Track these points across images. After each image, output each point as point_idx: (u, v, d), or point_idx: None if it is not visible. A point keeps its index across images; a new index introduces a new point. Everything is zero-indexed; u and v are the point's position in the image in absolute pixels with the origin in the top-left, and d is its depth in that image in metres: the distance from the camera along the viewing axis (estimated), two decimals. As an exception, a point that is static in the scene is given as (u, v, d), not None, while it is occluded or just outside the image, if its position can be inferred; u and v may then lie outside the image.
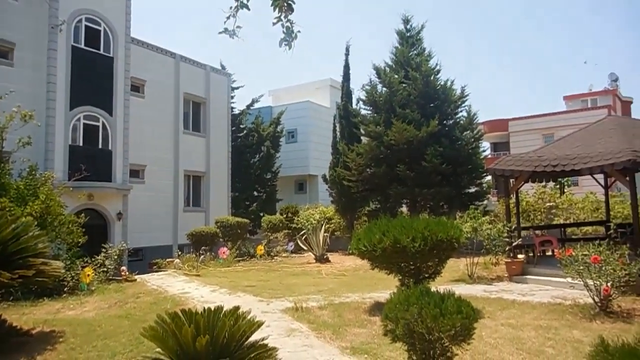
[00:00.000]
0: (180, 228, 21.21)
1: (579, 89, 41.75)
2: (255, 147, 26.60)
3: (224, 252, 16.52)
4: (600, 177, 13.97)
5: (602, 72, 72.95)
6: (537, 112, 38.53)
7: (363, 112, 21.10)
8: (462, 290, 10.09)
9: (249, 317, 5.31)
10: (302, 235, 18.77)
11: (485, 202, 20.30)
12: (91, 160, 17.73)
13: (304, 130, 31.10)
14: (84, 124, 18.29)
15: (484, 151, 21.08)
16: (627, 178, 9.95)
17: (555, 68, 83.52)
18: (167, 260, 16.26)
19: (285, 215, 21.83)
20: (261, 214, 23.25)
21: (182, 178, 22.66)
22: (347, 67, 22.11)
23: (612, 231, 11.63)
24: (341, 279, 13.06)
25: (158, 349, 4.91)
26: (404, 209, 20.39)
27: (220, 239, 18.72)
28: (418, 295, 5.11)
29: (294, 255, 19.04)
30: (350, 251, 9.13)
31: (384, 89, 19.85)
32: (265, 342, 5.35)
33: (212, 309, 4.99)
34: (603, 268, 7.85)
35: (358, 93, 22.12)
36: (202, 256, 16.44)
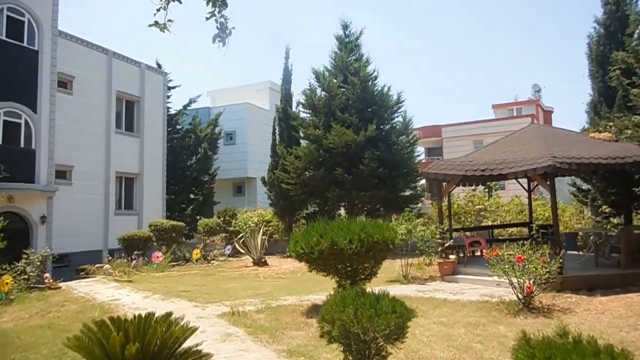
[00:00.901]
0: (111, 232, 20.22)
1: (506, 98, 44.18)
2: (192, 148, 25.91)
3: (157, 257, 15.96)
4: (524, 181, 14.84)
5: (527, 82, 77.73)
6: (469, 119, 40.32)
7: (302, 115, 21.18)
8: (397, 290, 10.37)
9: (182, 323, 5.14)
10: (240, 238, 18.52)
11: (420, 204, 20.98)
12: (12, 159, 16.47)
13: (242, 132, 30.72)
14: (4, 120, 17.01)
15: (418, 156, 21.82)
16: (548, 182, 10.62)
17: (486, 77, 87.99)
18: (96, 266, 15.47)
19: (222, 219, 21.44)
20: (198, 217, 22.70)
21: (114, 180, 21.64)
22: (287, 70, 22.12)
23: (534, 232, 12.40)
24: (279, 282, 12.99)
25: (83, 360, 4.64)
26: (342, 211, 20.66)
27: (154, 243, 18.07)
28: (354, 296, 5.17)
29: (231, 259, 18.74)
30: (289, 254, 9.10)
31: (324, 93, 20.04)
32: (199, 348, 5.20)
33: (143, 315, 4.78)
34: (526, 267, 8.33)
35: (298, 96, 22.17)
36: (134, 261, 15.79)
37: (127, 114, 22.74)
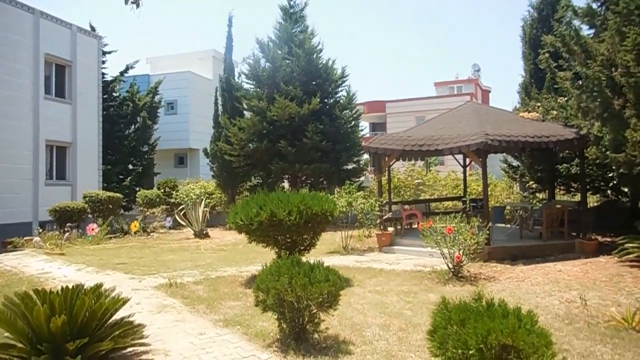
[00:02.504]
0: (42, 203, 19.21)
1: (448, 77, 45.46)
2: (130, 117, 24.83)
3: (92, 229, 15.40)
4: (460, 157, 15.48)
5: (468, 61, 79.98)
6: (412, 95, 41.19)
7: (246, 86, 20.82)
8: (336, 261, 10.66)
9: (113, 295, 5.08)
10: (181, 210, 18.20)
11: (363, 178, 21.42)
12: None
13: (184, 101, 29.77)
14: None
15: (362, 130, 22.14)
16: (480, 158, 11.14)
17: (429, 54, 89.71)
18: (25, 238, 14.71)
19: (163, 190, 20.93)
20: (137, 189, 21.99)
21: (44, 148, 20.43)
22: (229, 39, 21.55)
23: (466, 205, 13.05)
24: (220, 254, 12.96)
25: (7, 334, 4.49)
26: (286, 184, 20.73)
27: (90, 215, 17.39)
28: (289, 265, 5.29)
29: (172, 231, 18.42)
30: (229, 226, 9.08)
31: (268, 64, 19.75)
32: (131, 319, 5.17)
33: (71, 287, 4.67)
34: (456, 238, 8.78)
35: (241, 66, 21.70)
36: (67, 234, 15.17)
37: (58, 79, 21.35)
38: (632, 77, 8.37)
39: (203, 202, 17.99)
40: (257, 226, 8.04)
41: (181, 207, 18.39)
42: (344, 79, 20.09)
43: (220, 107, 21.50)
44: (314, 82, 19.45)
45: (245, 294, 7.87)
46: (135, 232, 17.15)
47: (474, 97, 38.87)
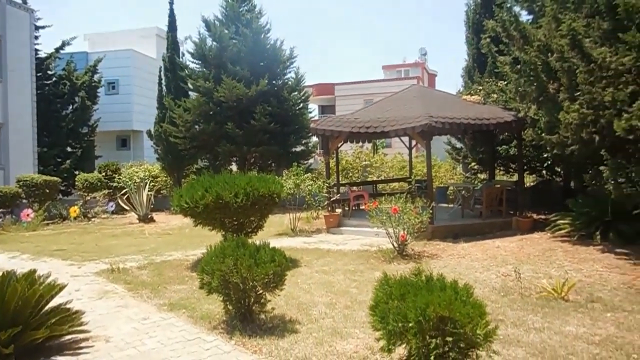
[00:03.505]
0: (-29, 188, 17.99)
1: (396, 60, 46.05)
2: (67, 97, 23.50)
3: (27, 215, 14.63)
4: (406, 139, 15.80)
5: (415, 45, 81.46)
6: (360, 78, 41.42)
7: (191, 65, 20.20)
8: (284, 242, 10.69)
9: (49, 281, 4.86)
10: (124, 194, 17.58)
11: (311, 160, 21.46)
12: None
13: (126, 81, 28.55)
14: None
15: (311, 112, 22.07)
16: (425, 140, 11.40)
17: (378, 38, 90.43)
18: (-48, 225, 13.79)
19: (104, 174, 20.10)
20: (76, 172, 20.97)
21: (-28, 130, 19.09)
22: (172, 16, 20.75)
23: (411, 186, 13.38)
24: (165, 238, 12.68)
25: None
26: (234, 167, 20.44)
27: (24, 200, 16.47)
28: (234, 247, 5.24)
29: (115, 216, 17.80)
30: (173, 209, 8.86)
31: (214, 43, 19.22)
32: (69, 306, 4.98)
33: (1, 274, 4.42)
34: (401, 218, 9.00)
35: (186, 45, 21.01)
36: (-1, 220, 14.33)
37: (-15, 55, 19.88)
38: (566, 62, 8.78)
39: (147, 186, 17.47)
40: (203, 209, 7.90)
41: (124, 191, 17.75)
42: (293, 60, 19.90)
43: (164, 87, 20.76)
44: (261, 63, 19.14)
45: (191, 277, 7.75)
46: (75, 218, 16.44)
47: (421, 80, 39.64)
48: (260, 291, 5.25)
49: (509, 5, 12.20)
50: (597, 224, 9.71)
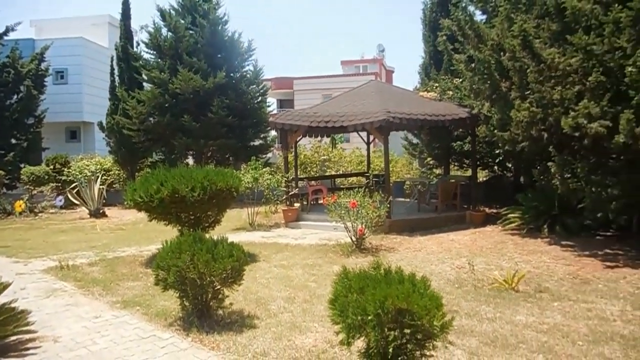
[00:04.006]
0: None
1: (354, 55, 46.39)
2: (11, 86, 22.21)
3: (-33, 210, 13.81)
4: (365, 134, 15.95)
5: (373, 41, 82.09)
6: (320, 73, 41.47)
7: (146, 56, 19.57)
8: (242, 237, 10.57)
9: (-9, 280, 4.59)
10: (74, 188, 16.89)
11: (270, 155, 21.31)
12: None
13: (76, 70, 27.32)
14: None
15: (269, 106, 21.88)
16: (383, 136, 11.54)
17: (337, 33, 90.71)
18: None
19: (52, 167, 19.20)
20: (22, 165, 19.95)
21: None
22: (126, 4, 19.99)
23: (369, 181, 13.53)
24: (118, 234, 12.28)
25: None
26: (190, 160, 20.01)
27: (-37, 195, 15.54)
28: (191, 242, 5.13)
29: (64, 211, 17.09)
30: (127, 204, 8.58)
31: (170, 33, 18.69)
32: (14, 305, 4.74)
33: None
34: (359, 212, 9.09)
35: (140, 35, 20.31)
36: None
37: None
38: (517, 61, 9.09)
39: (99, 180, 16.85)
40: (158, 203, 7.69)
41: (74, 184, 17.05)
42: (251, 53, 19.64)
43: (117, 78, 20.00)
44: (219, 55, 18.79)
45: (146, 273, 7.55)
46: (20, 213, 15.67)
47: (379, 76, 40.06)
48: (218, 286, 5.17)
49: (464, 4, 12.52)
50: (545, 218, 10.15)
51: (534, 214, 10.38)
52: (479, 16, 12.25)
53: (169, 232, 9.23)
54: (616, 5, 7.23)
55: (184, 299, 5.19)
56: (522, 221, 10.53)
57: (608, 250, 8.57)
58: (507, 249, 8.97)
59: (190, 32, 18.46)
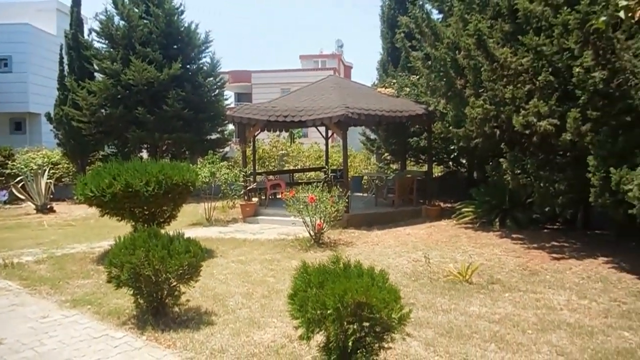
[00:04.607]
0: None
1: (313, 50, 46.37)
2: (-51, 73, 21.02)
3: None
4: (323, 129, 15.97)
5: (332, 36, 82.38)
6: (278, 67, 41.23)
7: (97, 45, 18.82)
8: (199, 232, 10.39)
9: None
10: (19, 182, 16.06)
11: (227, 149, 21.01)
12: None
13: (21, 58, 25.96)
14: None
15: (227, 99, 21.56)
16: (341, 131, 11.59)
17: (296, 27, 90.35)
18: None
19: (-5, 160, 18.21)
20: (-40, 158, 18.81)
21: None
22: (76, -11, 19.15)
23: (328, 175, 13.59)
24: (67, 230, 11.79)
25: None
26: (145, 154, 19.45)
27: None
28: (145, 238, 4.98)
29: (8, 206, 16.25)
30: (77, 198, 8.23)
31: (122, 22, 18.05)
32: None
33: None
34: (318, 206, 9.10)
35: (92, 23, 19.48)
36: None
37: None
38: (472, 59, 9.33)
39: (46, 173, 16.13)
40: (111, 198, 7.42)
41: (19, 178, 16.21)
42: (208, 45, 19.28)
43: (66, 67, 19.13)
44: (175, 46, 18.33)
45: (97, 271, 7.29)
46: (-41, 208, 14.77)
47: (337, 71, 40.23)
48: (174, 283, 5.05)
49: (421, 3, 12.72)
50: (497, 212, 10.52)
51: (486, 208, 10.73)
52: (436, 15, 12.51)
53: (122, 228, 8.94)
54: (565, 7, 7.53)
55: (139, 296, 5.04)
56: (475, 215, 10.87)
57: (555, 243, 8.96)
58: (461, 242, 9.22)
59: (145, 21, 17.91)
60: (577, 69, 7.17)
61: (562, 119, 7.70)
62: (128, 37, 17.58)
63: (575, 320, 5.13)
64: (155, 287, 4.94)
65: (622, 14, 2.75)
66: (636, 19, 2.76)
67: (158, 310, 5.14)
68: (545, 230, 10.03)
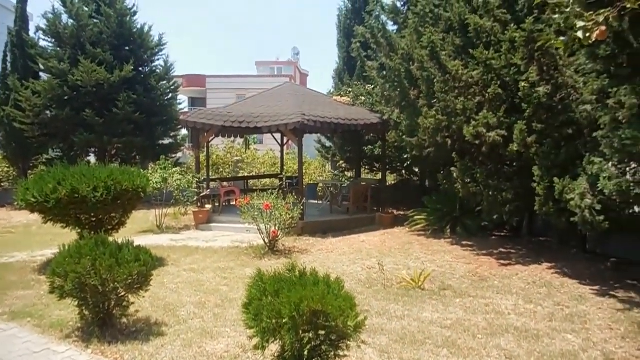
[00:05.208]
0: None
1: (270, 57, 46.32)
2: None
3: None
4: (278, 136, 15.91)
5: (288, 44, 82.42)
6: (234, 73, 40.83)
7: (43, 43, 18.01)
8: (149, 240, 10.07)
9: None
10: (-48, 186, 15.06)
11: (180, 154, 20.56)
12: None
13: (-42, 55, 24.44)
14: None
15: (180, 104, 21.13)
16: (297, 138, 11.59)
17: (252, 33, 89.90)
18: None
19: None
20: None
21: None
22: (22, -15, 18.27)
23: (283, 183, 13.54)
24: (6, 237, 11.13)
25: None
26: (93, 158, 18.72)
27: None
28: (92, 246, 4.77)
29: (-62, 212, 15.17)
30: (18, 204, 7.77)
31: (71, 21, 17.35)
32: None
33: None
34: (273, 214, 9.03)
35: (39, 21, 18.64)
36: None
37: None
38: (425, 71, 9.58)
39: (-16, 177, 15.19)
40: (55, 204, 7.07)
41: (-47, 182, 15.21)
42: (162, 48, 18.83)
43: (9, 66, 18.17)
44: (127, 48, 17.79)
45: (39, 281, 6.92)
46: None
47: (294, 79, 40.28)
48: (123, 293, 4.85)
49: (377, 14, 12.98)
50: (448, 219, 10.80)
51: (438, 216, 11.00)
52: (391, 26, 12.78)
53: (67, 236, 8.53)
54: (512, 25, 7.88)
55: (84, 307, 4.81)
56: (428, 223, 11.11)
57: (502, 249, 9.29)
58: (413, 249, 9.39)
59: (95, 20, 17.31)
60: (523, 83, 7.50)
61: (509, 131, 8.02)
62: (77, 36, 16.91)
63: (522, 324, 5.32)
64: (102, 298, 4.73)
65: (580, 34, 2.88)
66: (593, 39, 2.89)
67: (105, 322, 4.92)
68: (494, 237, 10.38)
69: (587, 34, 2.86)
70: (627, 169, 6.07)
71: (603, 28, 2.83)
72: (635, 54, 4.95)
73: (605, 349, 4.69)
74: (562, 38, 3.12)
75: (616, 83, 5.55)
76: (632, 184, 5.65)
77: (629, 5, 2.77)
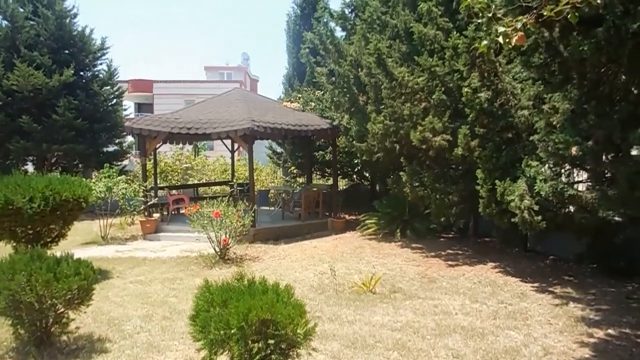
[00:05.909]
0: None
1: (219, 62, 45.72)
2: None
3: None
4: (229, 142, 15.70)
5: (238, 49, 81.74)
6: (182, 78, 39.94)
7: (-26, 46, 16.91)
8: (93, 252, 9.67)
9: None
10: None
11: (126, 162, 19.86)
12: None
13: None
14: None
15: (125, 109, 20.45)
16: (247, 144, 11.47)
17: (200, 38, 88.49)
18: None
19: None
20: None
21: None
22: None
23: (234, 190, 13.36)
24: None
25: None
26: (30, 167, 17.75)
27: None
28: (27, 261, 4.51)
29: None
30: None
31: (5, 22, 16.42)
32: None
33: None
34: (223, 221, 8.88)
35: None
36: None
37: None
38: (373, 77, 9.75)
39: None
40: (-14, 216, 6.64)
41: None
42: (105, 51, 18.13)
43: None
44: (66, 51, 17.02)
45: (-31, 299, 6.44)
46: None
47: (243, 85, 39.95)
48: (62, 309, 4.61)
49: (325, 20, 13.10)
50: (398, 223, 11.01)
51: (388, 220, 11.19)
52: (340, 32, 12.91)
53: (1, 250, 8.06)
54: (455, 32, 8.16)
55: (19, 326, 4.53)
56: (378, 226, 11.28)
57: (450, 251, 9.56)
58: (365, 253, 9.50)
59: (31, 22, 16.46)
60: (466, 89, 7.76)
61: (454, 135, 8.29)
62: (11, 38, 16.03)
63: (468, 324, 5.48)
64: (39, 315, 4.47)
65: (500, 39, 3.03)
66: (512, 44, 3.04)
67: (42, 340, 4.66)
68: (442, 239, 10.67)
69: (507, 39, 3.01)
70: (562, 171, 6.41)
71: (521, 34, 3.00)
72: (565, 63, 5.23)
73: (545, 344, 4.90)
74: (484, 42, 3.27)
75: (550, 90, 5.86)
76: (566, 186, 5.96)
77: (545, 13, 2.94)
